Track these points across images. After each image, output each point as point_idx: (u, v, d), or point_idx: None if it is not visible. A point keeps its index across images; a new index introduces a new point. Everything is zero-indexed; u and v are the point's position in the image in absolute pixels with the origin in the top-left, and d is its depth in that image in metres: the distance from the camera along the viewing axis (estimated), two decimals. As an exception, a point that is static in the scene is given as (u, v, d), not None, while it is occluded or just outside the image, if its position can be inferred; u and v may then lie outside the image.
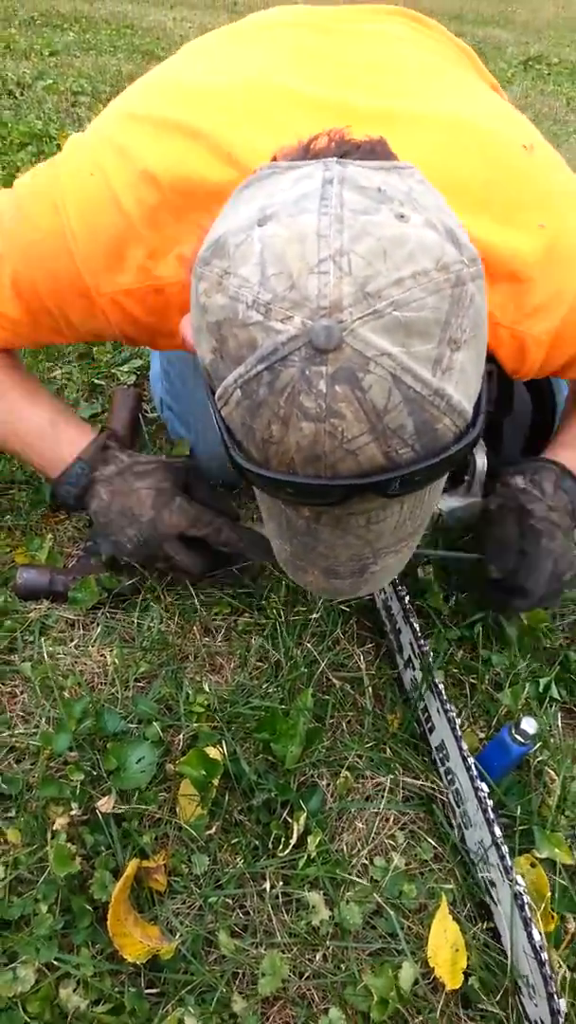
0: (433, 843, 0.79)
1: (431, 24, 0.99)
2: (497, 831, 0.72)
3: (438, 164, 0.72)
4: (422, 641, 0.88)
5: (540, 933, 0.66)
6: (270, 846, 0.76)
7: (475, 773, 0.76)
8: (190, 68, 0.84)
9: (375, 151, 0.57)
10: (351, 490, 0.53)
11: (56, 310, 0.84)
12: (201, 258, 0.54)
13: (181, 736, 0.84)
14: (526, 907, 0.67)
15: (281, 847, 0.75)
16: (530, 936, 0.66)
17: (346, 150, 0.56)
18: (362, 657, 0.96)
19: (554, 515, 0.90)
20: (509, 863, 0.70)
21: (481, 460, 1.09)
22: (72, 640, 0.94)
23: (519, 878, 0.69)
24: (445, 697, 0.82)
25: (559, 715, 0.93)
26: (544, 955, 0.65)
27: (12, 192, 0.85)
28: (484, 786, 0.75)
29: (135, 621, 0.96)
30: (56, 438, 0.94)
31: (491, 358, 0.88)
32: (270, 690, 0.90)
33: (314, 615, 0.99)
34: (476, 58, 1.02)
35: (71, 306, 0.83)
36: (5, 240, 0.83)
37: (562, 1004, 0.63)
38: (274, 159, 0.58)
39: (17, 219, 0.83)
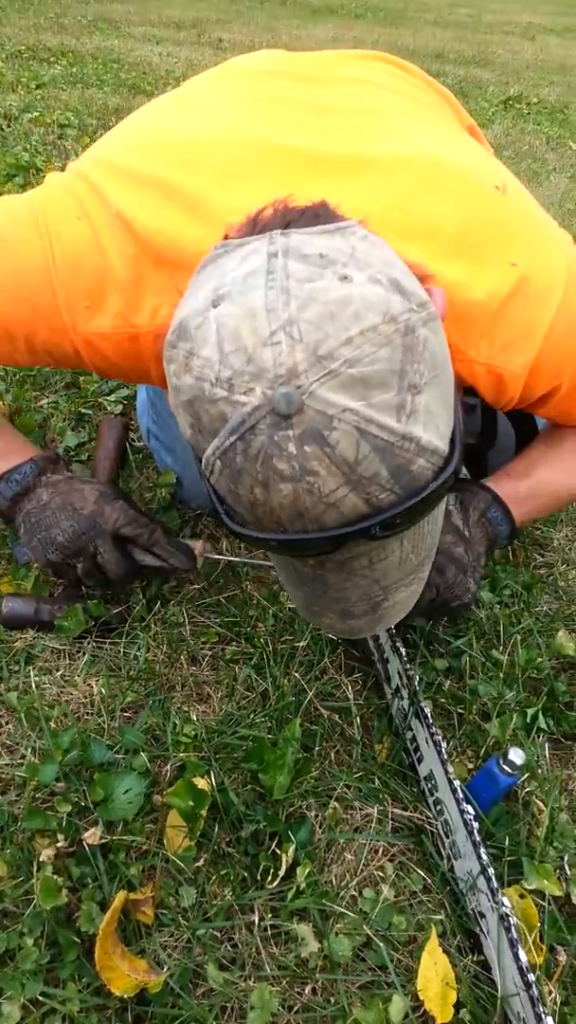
0: (422, 874, 0.79)
1: (412, 69, 1.03)
2: (483, 854, 0.73)
3: (412, 208, 0.77)
4: (410, 670, 0.89)
5: (528, 962, 0.67)
6: (259, 878, 0.76)
7: (463, 798, 0.77)
8: (167, 119, 0.87)
9: (318, 215, 0.60)
10: (339, 539, 0.56)
11: (21, 338, 0.85)
12: (168, 342, 0.57)
13: (168, 766, 0.84)
14: (512, 929, 0.68)
15: (270, 879, 0.76)
16: (520, 967, 0.67)
17: (290, 219, 0.60)
18: (350, 687, 0.97)
19: (459, 549, 0.93)
20: (495, 885, 0.71)
21: (466, 492, 1.12)
22: (58, 670, 0.95)
23: (505, 900, 0.69)
24: (433, 726, 0.84)
25: (546, 745, 0.95)
26: (533, 982, 0.65)
27: None
28: (470, 808, 0.76)
29: (122, 650, 0.97)
30: (1, 448, 0.97)
31: (475, 392, 0.91)
32: (258, 720, 0.90)
33: (301, 643, 1.00)
34: (455, 100, 1.07)
35: (40, 336, 0.84)
36: None
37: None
38: (226, 236, 0.62)
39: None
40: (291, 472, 0.52)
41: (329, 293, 0.52)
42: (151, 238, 0.77)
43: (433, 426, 0.55)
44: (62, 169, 0.89)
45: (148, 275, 0.78)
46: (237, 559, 1.09)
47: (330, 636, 1.02)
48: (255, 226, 0.61)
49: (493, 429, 1.19)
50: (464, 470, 1.10)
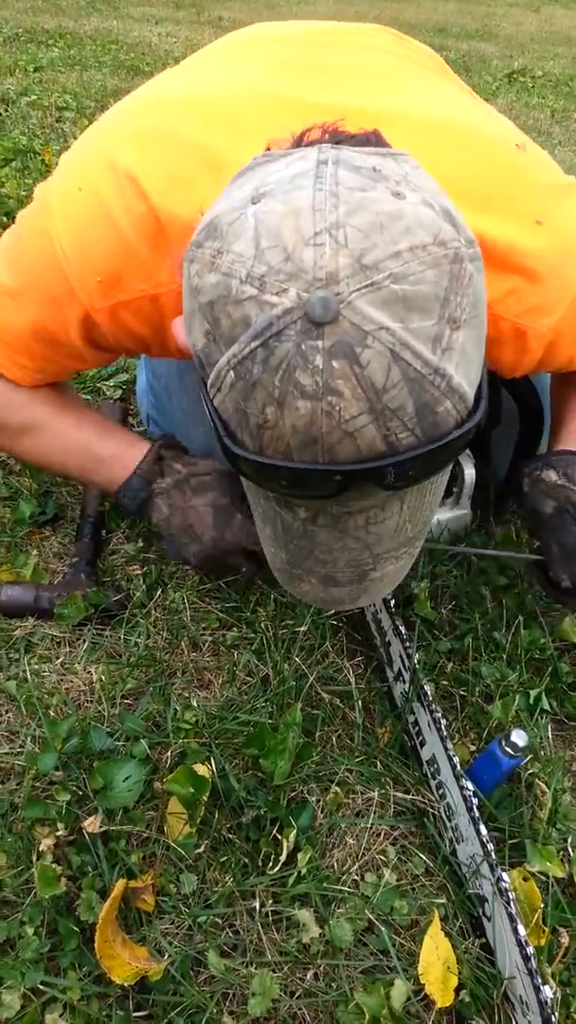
0: (424, 857, 0.79)
1: (412, 42, 1.01)
2: (483, 829, 0.73)
3: (437, 164, 0.73)
4: (410, 650, 0.88)
5: (526, 937, 0.66)
6: (260, 864, 0.76)
7: (461, 773, 0.76)
8: (173, 83, 0.85)
9: (369, 141, 0.58)
10: (349, 478, 0.52)
11: (63, 334, 0.83)
12: (193, 242, 0.53)
13: (169, 753, 0.84)
14: (512, 904, 0.67)
15: (271, 864, 0.75)
16: (522, 950, 0.66)
17: (340, 139, 0.56)
18: (351, 671, 0.96)
19: None
20: (495, 860, 0.70)
21: (469, 471, 1.10)
22: (58, 657, 0.94)
23: (505, 876, 0.69)
24: (435, 708, 0.83)
25: (549, 727, 0.94)
26: (532, 955, 0.65)
27: (16, 222, 0.86)
28: (469, 784, 0.76)
29: (122, 637, 0.96)
30: (104, 460, 0.95)
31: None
32: (259, 705, 0.90)
33: (302, 628, 0.99)
34: (449, 70, 1.05)
35: (73, 328, 0.82)
36: (7, 270, 0.83)
37: (555, 1018, 0.63)
38: (267, 150, 0.58)
39: (15, 247, 0.84)
40: (313, 388, 0.48)
41: (380, 204, 0.49)
42: (162, 192, 0.74)
43: (465, 369, 0.52)
44: (60, 152, 0.88)
45: (161, 232, 0.75)
46: None
47: (332, 620, 1.01)
48: (300, 143, 0.58)
49: (497, 407, 1.17)
50: (472, 470, 1.08)
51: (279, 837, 0.77)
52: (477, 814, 0.74)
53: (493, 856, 0.71)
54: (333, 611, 1.00)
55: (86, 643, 0.96)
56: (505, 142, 0.81)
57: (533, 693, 0.95)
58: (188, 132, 0.76)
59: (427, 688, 0.85)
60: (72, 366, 0.91)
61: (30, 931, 0.68)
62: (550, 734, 0.93)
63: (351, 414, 0.49)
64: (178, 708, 0.88)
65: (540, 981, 0.64)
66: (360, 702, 0.92)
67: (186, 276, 0.54)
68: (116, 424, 1.01)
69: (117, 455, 0.95)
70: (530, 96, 4.20)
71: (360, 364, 0.48)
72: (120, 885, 0.70)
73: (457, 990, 0.68)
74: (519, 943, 0.67)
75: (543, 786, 0.85)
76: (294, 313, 0.47)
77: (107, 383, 1.43)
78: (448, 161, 0.75)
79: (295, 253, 0.48)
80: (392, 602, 0.94)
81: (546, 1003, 0.63)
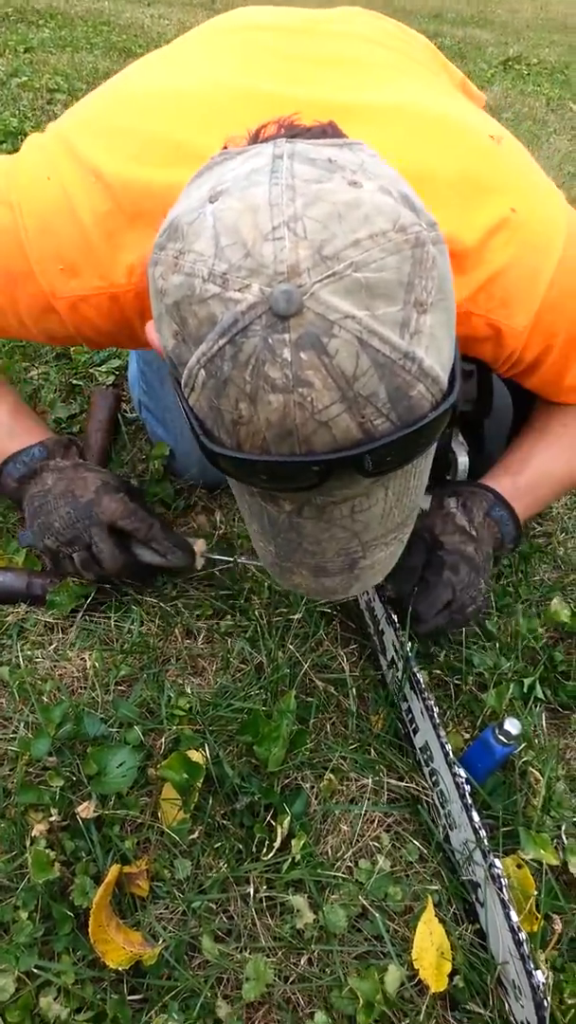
0: (418, 844, 0.79)
1: (400, 28, 1.00)
2: (475, 816, 0.73)
3: (405, 155, 0.72)
4: (404, 640, 0.88)
5: (519, 923, 0.67)
6: (254, 850, 0.76)
7: (453, 761, 0.77)
8: (150, 75, 0.84)
9: (326, 132, 0.58)
10: (328, 467, 0.52)
11: (8, 306, 0.83)
12: (156, 244, 0.53)
13: (163, 739, 0.84)
14: (504, 890, 0.68)
15: (265, 851, 0.75)
16: (515, 935, 0.67)
17: (295, 133, 0.56)
18: (345, 658, 0.96)
19: (469, 547, 0.91)
20: (487, 847, 0.71)
21: (463, 459, 1.10)
22: (51, 644, 0.94)
23: (497, 861, 0.69)
24: (428, 697, 0.83)
25: (543, 715, 0.94)
26: (524, 941, 0.65)
27: None
28: (462, 771, 0.76)
29: (114, 624, 0.96)
30: (13, 428, 0.96)
31: (472, 358, 0.88)
32: (253, 692, 0.90)
33: (296, 616, 0.99)
34: (442, 56, 1.04)
35: (23, 304, 0.82)
36: None
37: (547, 1002, 0.64)
38: (225, 148, 0.59)
39: None
40: (283, 381, 0.48)
41: (337, 195, 0.49)
42: (126, 187, 0.74)
43: (435, 352, 0.52)
44: None
45: (122, 232, 0.75)
46: (242, 560, 1.03)
47: (326, 609, 1.01)
48: (256, 139, 0.58)
49: (489, 396, 1.17)
50: (466, 459, 1.08)
51: (273, 823, 0.77)
52: (470, 801, 0.75)
53: (486, 843, 0.72)
54: (327, 601, 1.00)
55: (78, 630, 0.95)
56: (478, 133, 0.80)
57: (527, 681, 0.95)
58: (159, 130, 0.75)
59: (420, 676, 0.86)
60: (5, 331, 0.90)
61: (24, 915, 0.68)
62: (544, 722, 0.93)
63: (323, 404, 0.49)
64: (172, 695, 0.88)
65: (533, 966, 0.64)
66: (354, 690, 0.92)
67: (151, 279, 0.55)
68: (27, 407, 1.03)
69: (26, 427, 0.97)
70: (525, 84, 4.18)
71: (328, 354, 0.48)
72: (114, 870, 0.70)
73: (451, 975, 0.69)
74: (512, 929, 0.67)
75: (537, 774, 0.85)
76: (258, 308, 0.48)
77: (99, 369, 1.42)
78: (415, 151, 0.75)
79: (255, 249, 0.48)
80: (387, 591, 0.94)
81: (538, 988, 0.64)
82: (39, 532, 0.93)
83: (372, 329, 0.48)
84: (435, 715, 0.82)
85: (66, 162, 0.77)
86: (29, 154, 0.82)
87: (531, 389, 0.95)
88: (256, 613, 0.99)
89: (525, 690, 0.94)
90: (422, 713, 0.84)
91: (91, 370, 1.42)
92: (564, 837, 0.81)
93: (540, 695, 0.94)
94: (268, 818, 0.78)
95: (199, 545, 0.98)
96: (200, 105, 0.76)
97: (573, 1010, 0.68)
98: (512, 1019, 0.68)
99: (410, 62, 0.91)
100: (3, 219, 0.79)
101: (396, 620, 0.91)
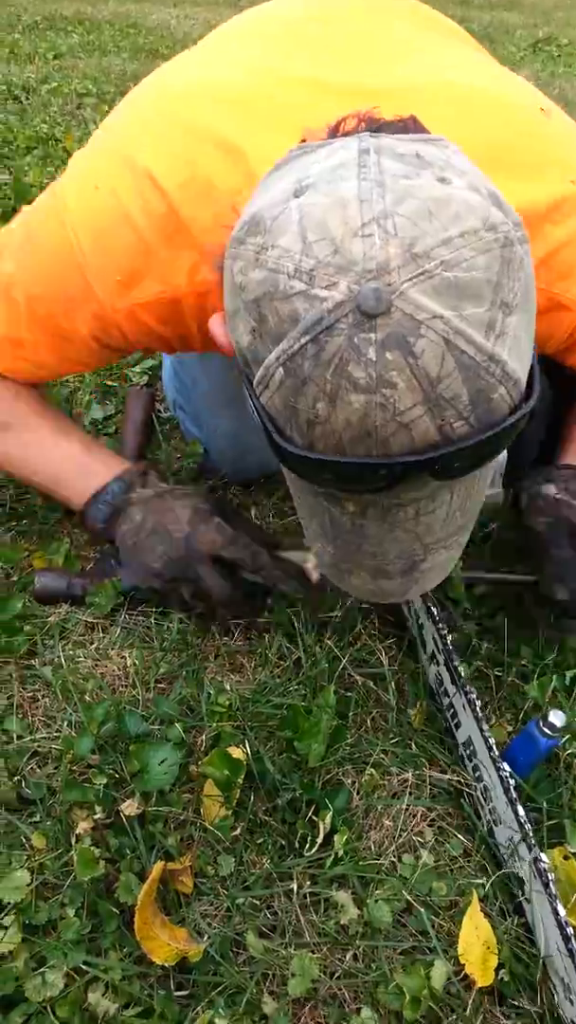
0: (462, 838, 0.78)
1: (428, 8, 0.98)
2: (520, 810, 0.72)
3: (460, 131, 0.70)
4: (444, 631, 0.87)
5: (566, 918, 0.65)
6: (296, 845, 0.76)
7: (497, 756, 0.76)
8: (186, 70, 0.83)
9: (407, 127, 0.57)
10: (404, 469, 0.51)
11: (73, 335, 0.83)
12: (235, 238, 0.53)
13: (204, 736, 0.84)
14: (552, 885, 0.67)
15: (308, 846, 0.75)
16: (562, 931, 0.66)
17: (377, 127, 0.55)
18: (384, 653, 0.96)
19: None
20: (532, 841, 0.70)
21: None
22: (92, 643, 0.95)
23: (543, 856, 0.68)
24: (470, 691, 0.82)
25: (587, 707, 0.92)
26: (574, 944, 0.64)
27: (23, 216, 0.86)
28: (506, 766, 0.75)
29: (154, 623, 0.97)
30: (89, 465, 0.94)
31: None
32: (292, 688, 0.90)
33: (335, 613, 0.98)
34: (473, 40, 1.02)
35: (86, 326, 0.82)
36: (17, 265, 0.83)
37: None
38: (303, 141, 0.57)
39: (27, 242, 0.83)
40: (367, 381, 0.47)
41: (427, 191, 0.48)
42: (184, 188, 0.72)
43: (517, 354, 0.51)
44: (81, 139, 0.87)
45: (181, 234, 0.74)
46: None
47: (364, 604, 1.00)
48: (336, 133, 0.57)
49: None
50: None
51: (315, 819, 0.77)
52: (514, 795, 0.74)
53: (531, 836, 0.71)
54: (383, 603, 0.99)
55: (119, 629, 0.96)
56: (530, 107, 0.80)
57: (569, 674, 0.93)
58: (205, 122, 0.74)
59: (461, 669, 0.85)
60: (70, 367, 0.90)
61: (71, 912, 0.68)
62: (588, 714, 0.91)
63: (406, 405, 0.48)
64: (211, 692, 0.88)
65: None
66: (393, 684, 0.91)
67: (228, 273, 0.54)
68: (98, 441, 1.01)
69: (102, 459, 0.95)
70: (556, 65, 4.10)
71: (414, 354, 0.47)
72: (158, 867, 0.70)
73: (497, 970, 0.68)
74: (559, 924, 0.66)
75: (582, 766, 0.83)
76: (345, 307, 0.47)
77: (133, 369, 1.43)
78: (469, 128, 0.73)
79: (344, 245, 0.47)
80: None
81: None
82: (139, 573, 0.91)
83: (459, 330, 0.47)
84: (477, 709, 0.81)
85: (113, 167, 0.76)
86: (73, 168, 0.82)
87: (574, 364, 0.93)
88: (294, 609, 0.98)
89: (568, 682, 0.92)
90: (464, 708, 0.83)
91: (125, 371, 1.43)
92: (612, 831, 0.80)
93: (584, 687, 0.93)
94: (310, 814, 0.78)
95: (311, 563, 0.91)
96: (248, 95, 0.75)
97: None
98: (562, 1015, 0.67)
99: (447, 38, 0.90)
100: (59, 239, 0.78)
101: (436, 613, 0.90)
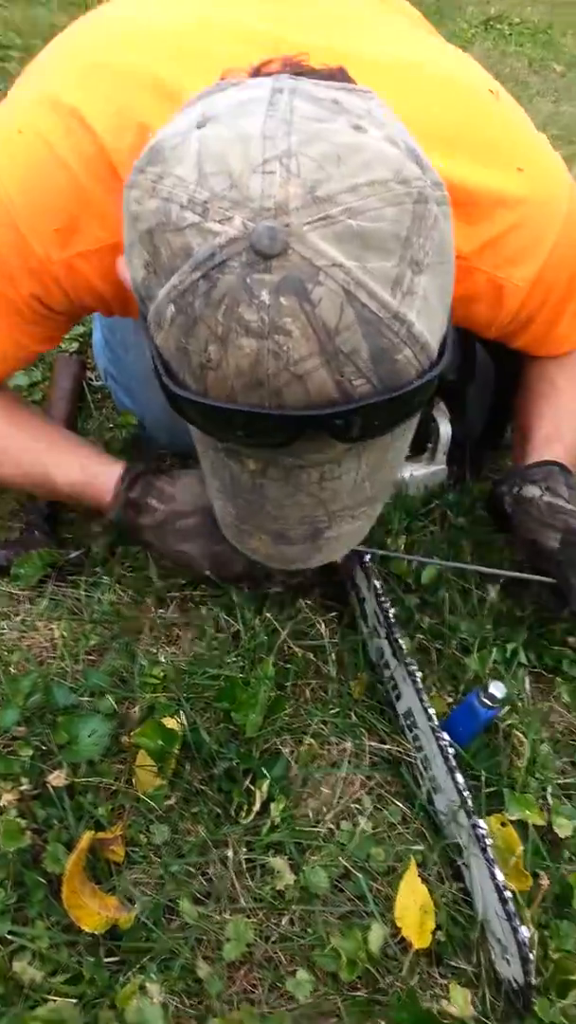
0: (401, 805, 0.82)
1: None
2: (459, 777, 0.76)
3: (405, 106, 0.72)
4: (385, 603, 0.91)
5: (506, 884, 0.70)
6: (233, 814, 0.79)
7: (437, 725, 0.80)
8: (116, 11, 0.83)
9: (334, 76, 0.57)
10: (299, 425, 0.51)
11: (15, 299, 0.81)
12: (135, 167, 0.52)
13: (137, 708, 0.86)
14: (489, 849, 0.71)
15: (244, 814, 0.78)
16: (500, 894, 0.70)
17: (301, 72, 0.56)
18: (324, 625, 0.99)
19: None
20: (471, 807, 0.74)
21: (445, 427, 1.13)
22: (17, 615, 0.95)
23: (480, 821, 0.73)
24: (411, 663, 0.86)
25: (527, 679, 0.97)
26: (511, 907, 0.68)
27: None
28: (445, 736, 0.79)
29: (84, 594, 0.98)
30: (87, 484, 0.94)
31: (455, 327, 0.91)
32: (229, 660, 0.92)
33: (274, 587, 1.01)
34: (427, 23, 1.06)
35: (25, 285, 0.80)
36: None
37: (532, 956, 0.67)
38: (223, 79, 0.58)
39: None
40: (258, 325, 0.47)
41: (339, 136, 0.48)
42: (112, 130, 0.72)
43: (427, 317, 0.51)
44: (3, 94, 0.86)
45: (114, 176, 0.73)
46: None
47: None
48: (258, 74, 0.57)
49: (472, 362, 1.20)
50: (447, 427, 1.10)
51: (252, 788, 0.80)
52: (454, 763, 0.78)
53: (470, 803, 0.75)
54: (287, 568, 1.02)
55: (46, 600, 0.97)
56: (479, 87, 0.82)
57: (510, 647, 0.98)
58: (135, 63, 0.73)
59: (403, 642, 0.88)
60: (24, 349, 0.88)
61: (-5, 883, 0.70)
62: (527, 686, 0.97)
63: (300, 355, 0.48)
64: (145, 663, 0.90)
65: (518, 923, 0.67)
66: (333, 655, 0.95)
67: (125, 203, 0.53)
68: (74, 442, 0.98)
69: (98, 483, 0.93)
70: (507, 44, 4.22)
71: (311, 302, 0.47)
72: (87, 836, 0.72)
73: (433, 932, 0.72)
74: (497, 888, 0.70)
75: (521, 736, 0.88)
76: (239, 244, 0.47)
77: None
78: (415, 103, 0.74)
79: (241, 180, 0.47)
80: (367, 557, 0.97)
81: (524, 944, 0.67)
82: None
83: (361, 282, 0.47)
84: (418, 681, 0.85)
85: (38, 109, 0.75)
86: None
87: (519, 348, 0.98)
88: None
89: (508, 655, 0.97)
90: (405, 679, 0.87)
91: (53, 337, 1.42)
92: (549, 798, 0.85)
93: (524, 660, 0.98)
94: (247, 783, 0.81)
95: None
96: (180, 39, 0.75)
97: (556, 964, 0.72)
98: (497, 976, 0.71)
99: (400, 17, 0.92)
100: None
101: (378, 587, 0.94)
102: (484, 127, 0.80)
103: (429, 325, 0.52)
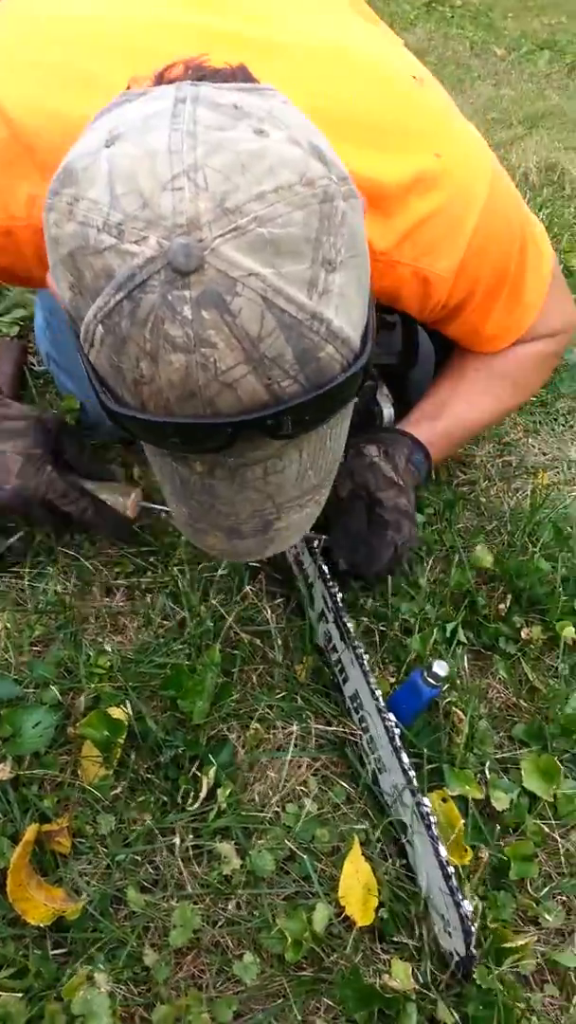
0: (345, 785, 0.83)
1: None
2: (405, 759, 0.77)
3: (323, 97, 0.72)
4: (333, 587, 0.91)
5: (449, 860, 0.71)
6: (179, 801, 0.78)
7: (384, 707, 0.81)
8: (43, 2, 0.80)
9: (235, 76, 0.57)
10: (235, 430, 0.53)
11: None
12: (51, 189, 0.52)
13: (82, 698, 0.84)
14: (433, 827, 0.72)
15: (191, 801, 0.77)
16: (443, 870, 0.71)
17: (203, 75, 0.56)
18: (270, 611, 0.98)
19: (402, 500, 0.93)
20: (416, 786, 0.75)
21: (388, 411, 1.13)
22: (-42, 606, 0.93)
23: (425, 800, 0.74)
24: (358, 646, 0.86)
25: (466, 657, 0.98)
26: (454, 882, 0.69)
27: None
28: (392, 717, 0.80)
29: (28, 584, 0.96)
30: None
31: (394, 310, 0.90)
32: (176, 648, 0.91)
33: (220, 571, 1.00)
34: (363, 3, 1.04)
35: None
36: None
37: (474, 928, 0.68)
38: (128, 88, 0.57)
39: None
40: (184, 341, 0.48)
41: (241, 144, 0.48)
42: (28, 115, 0.71)
43: (346, 312, 0.52)
44: None
45: (21, 162, 0.73)
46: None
47: (252, 563, 1.02)
48: (161, 80, 0.57)
49: (414, 348, 1.20)
50: (391, 410, 1.10)
51: (199, 774, 0.79)
52: (399, 744, 0.78)
53: (415, 783, 0.75)
54: (243, 562, 1.02)
55: (-11, 591, 0.95)
56: (400, 74, 0.81)
57: (450, 626, 0.99)
58: (56, 56, 0.73)
59: (350, 626, 0.89)
60: None
61: None
62: (467, 664, 0.98)
63: (227, 365, 0.49)
64: (91, 653, 0.88)
65: (461, 897, 0.68)
66: (280, 640, 0.94)
67: (46, 226, 0.53)
68: None
69: None
70: (449, 27, 4.20)
71: (231, 313, 0.48)
72: (32, 829, 0.71)
73: (376, 909, 0.73)
74: (440, 864, 0.71)
75: (460, 713, 0.89)
76: (156, 262, 0.47)
77: (2, 319, 1.39)
78: (334, 90, 0.75)
79: (152, 199, 0.47)
80: (316, 543, 0.96)
81: (467, 917, 0.68)
82: None
83: (278, 288, 0.48)
84: (365, 663, 0.85)
85: None
86: None
87: (452, 337, 0.98)
88: (178, 569, 1.00)
89: (448, 634, 0.98)
90: (352, 662, 0.87)
91: (-6, 322, 1.39)
92: (487, 772, 0.86)
93: (463, 639, 0.99)
94: (193, 770, 0.80)
95: (132, 499, 0.94)
96: (102, 32, 0.74)
97: (494, 934, 0.73)
98: (440, 949, 0.72)
99: (331, 2, 0.91)
100: None
101: (328, 573, 0.93)
102: (402, 114, 0.79)
103: (348, 319, 0.53)
